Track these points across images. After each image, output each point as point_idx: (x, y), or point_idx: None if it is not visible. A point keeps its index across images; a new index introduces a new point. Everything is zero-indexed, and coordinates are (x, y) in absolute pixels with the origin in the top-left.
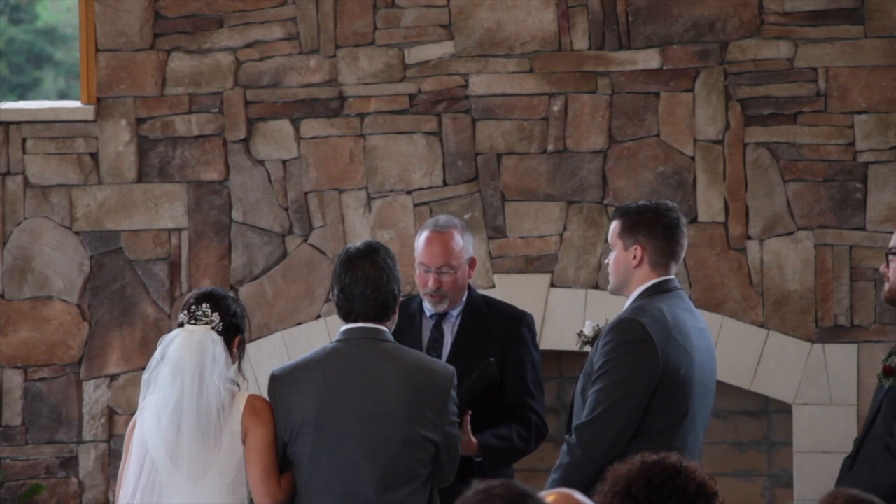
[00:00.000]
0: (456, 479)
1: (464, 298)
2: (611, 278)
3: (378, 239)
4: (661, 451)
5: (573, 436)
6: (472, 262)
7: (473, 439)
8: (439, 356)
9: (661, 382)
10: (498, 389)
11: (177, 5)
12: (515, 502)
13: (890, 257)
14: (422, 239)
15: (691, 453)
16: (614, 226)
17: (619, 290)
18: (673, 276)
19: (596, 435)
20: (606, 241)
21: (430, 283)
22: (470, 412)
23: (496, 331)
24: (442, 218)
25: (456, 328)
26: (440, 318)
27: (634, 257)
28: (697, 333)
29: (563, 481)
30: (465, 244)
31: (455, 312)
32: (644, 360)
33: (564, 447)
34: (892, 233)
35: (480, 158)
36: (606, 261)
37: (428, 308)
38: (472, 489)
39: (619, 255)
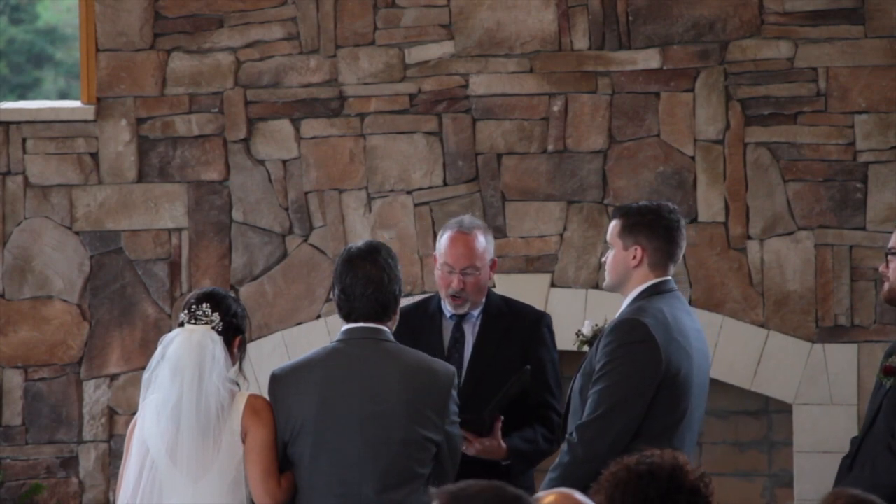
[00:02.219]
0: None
1: (483, 299)
2: (607, 276)
3: (378, 239)
4: (654, 451)
5: (574, 435)
6: (493, 264)
7: (503, 444)
8: (461, 357)
9: (663, 383)
10: (529, 394)
11: (177, 5)
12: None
13: (889, 257)
14: (445, 239)
15: (688, 453)
16: (614, 225)
17: (616, 289)
18: (670, 277)
19: (598, 435)
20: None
21: (455, 284)
22: (502, 417)
23: (516, 331)
24: (466, 218)
25: (477, 329)
26: (460, 318)
27: (634, 257)
28: (695, 335)
29: (563, 480)
30: (487, 245)
31: (475, 313)
32: (647, 360)
33: (565, 446)
34: (892, 233)
35: (480, 158)
36: (604, 258)
37: (447, 309)
38: (456, 486)
39: (618, 255)
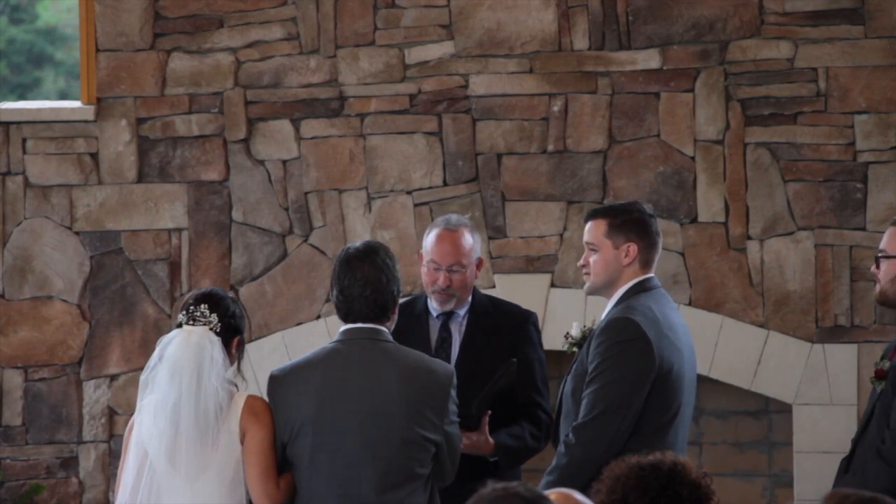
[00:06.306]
0: (467, 479)
1: (469, 298)
2: (593, 279)
3: (378, 239)
4: (654, 452)
5: (571, 436)
6: (479, 263)
7: (490, 439)
8: (448, 356)
9: (656, 381)
10: (516, 389)
11: (177, 5)
12: (534, 502)
13: (880, 259)
14: (432, 237)
15: (681, 450)
16: (598, 225)
17: (602, 291)
18: (653, 275)
19: (595, 435)
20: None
21: (441, 281)
22: (490, 412)
23: (503, 330)
24: (453, 217)
25: (463, 328)
26: (447, 317)
27: (626, 255)
28: (682, 330)
29: (561, 482)
30: (474, 243)
31: (461, 312)
32: (640, 358)
33: (562, 448)
34: None
35: (481, 158)
36: (580, 263)
37: (434, 308)
38: (488, 487)
39: (608, 254)
